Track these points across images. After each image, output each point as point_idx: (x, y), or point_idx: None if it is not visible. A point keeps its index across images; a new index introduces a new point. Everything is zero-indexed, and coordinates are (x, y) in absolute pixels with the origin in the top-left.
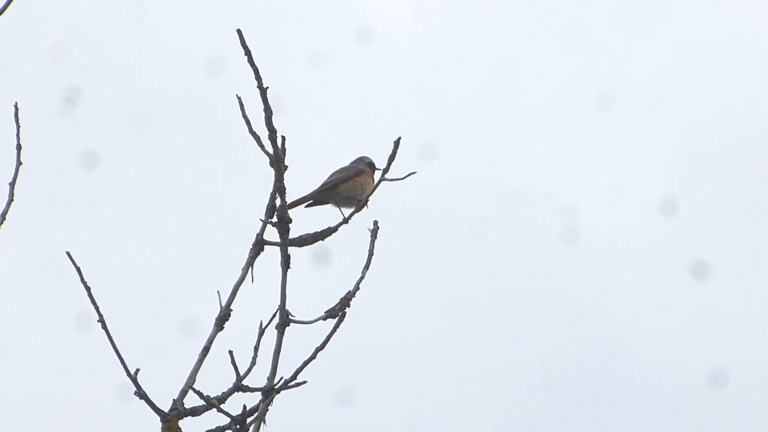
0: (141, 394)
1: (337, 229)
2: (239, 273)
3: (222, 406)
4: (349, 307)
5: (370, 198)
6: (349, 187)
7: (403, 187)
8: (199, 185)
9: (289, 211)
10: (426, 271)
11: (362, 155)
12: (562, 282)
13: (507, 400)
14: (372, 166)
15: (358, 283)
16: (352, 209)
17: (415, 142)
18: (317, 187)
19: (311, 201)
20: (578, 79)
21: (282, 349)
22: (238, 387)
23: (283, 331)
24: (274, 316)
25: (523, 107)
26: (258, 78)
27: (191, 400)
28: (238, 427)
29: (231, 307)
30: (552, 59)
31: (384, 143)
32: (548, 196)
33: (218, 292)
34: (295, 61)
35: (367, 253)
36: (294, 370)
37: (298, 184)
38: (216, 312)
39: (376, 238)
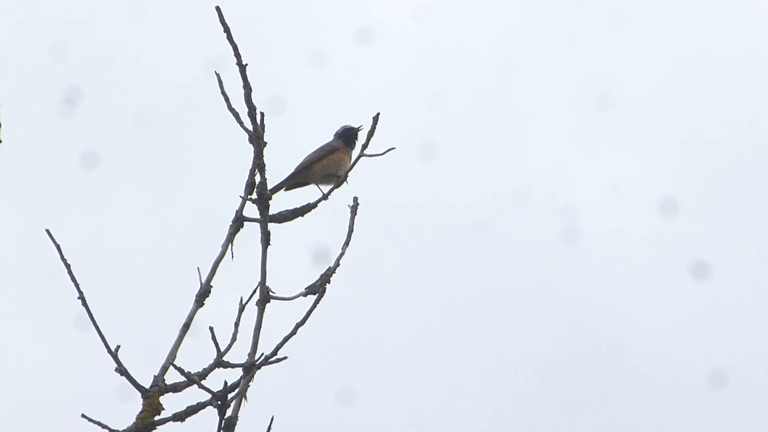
0: (122, 370)
1: (316, 206)
2: (219, 249)
3: (203, 382)
4: (329, 283)
5: (349, 174)
6: (324, 165)
7: (403, 188)
8: (199, 185)
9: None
10: (425, 271)
11: (343, 125)
12: (562, 281)
13: (506, 399)
14: (345, 134)
15: (338, 259)
16: (331, 186)
17: (415, 142)
18: (293, 170)
19: (291, 184)
20: (578, 78)
21: (262, 325)
22: (219, 363)
23: (264, 308)
24: (255, 292)
25: (523, 107)
26: (237, 54)
27: (172, 377)
28: (219, 402)
29: (211, 284)
30: (552, 59)
31: (384, 143)
32: (548, 196)
33: (198, 268)
34: (295, 61)
35: (347, 229)
36: (275, 346)
37: (283, 167)
38: (196, 288)
39: (356, 214)
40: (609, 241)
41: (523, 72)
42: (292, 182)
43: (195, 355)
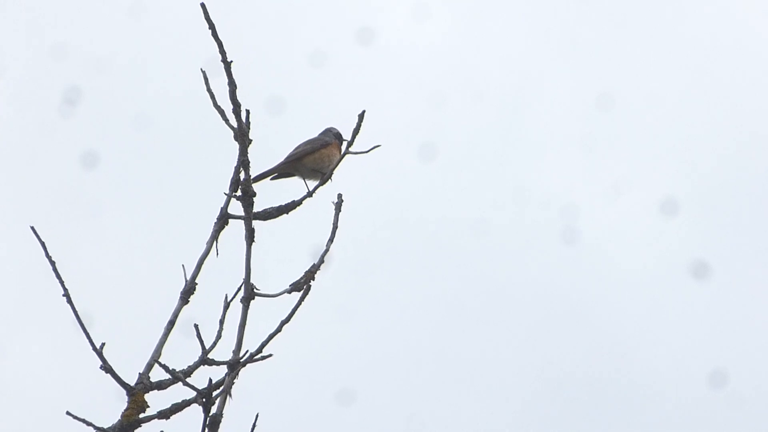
0: (107, 368)
1: (301, 203)
2: (204, 247)
3: (188, 379)
4: (314, 280)
5: (334, 171)
6: (315, 159)
7: (403, 188)
8: (185, 182)
9: (255, 185)
10: (425, 271)
11: (330, 126)
12: (562, 282)
13: (506, 398)
14: (339, 137)
15: (322, 256)
16: (317, 182)
17: (415, 142)
18: (283, 159)
19: (277, 174)
20: (579, 78)
21: (247, 322)
22: (204, 361)
23: (248, 305)
24: (239, 289)
25: (523, 107)
26: (222, 51)
27: (157, 374)
28: (203, 400)
29: (196, 281)
30: (552, 59)
31: (384, 144)
32: (548, 196)
33: (183, 265)
34: (295, 61)
35: (332, 225)
36: (259, 344)
37: (265, 160)
38: (181, 286)
39: (340, 211)
40: (609, 241)
41: (523, 72)
42: (279, 171)
43: (180, 353)
